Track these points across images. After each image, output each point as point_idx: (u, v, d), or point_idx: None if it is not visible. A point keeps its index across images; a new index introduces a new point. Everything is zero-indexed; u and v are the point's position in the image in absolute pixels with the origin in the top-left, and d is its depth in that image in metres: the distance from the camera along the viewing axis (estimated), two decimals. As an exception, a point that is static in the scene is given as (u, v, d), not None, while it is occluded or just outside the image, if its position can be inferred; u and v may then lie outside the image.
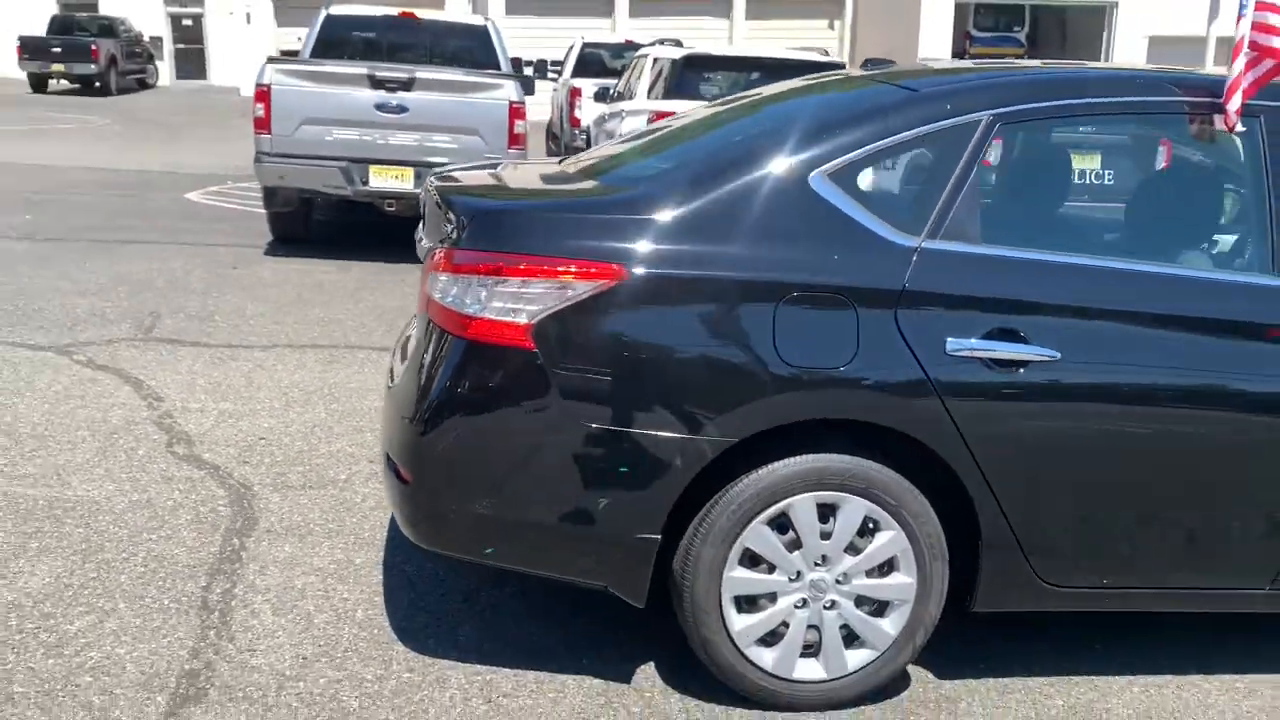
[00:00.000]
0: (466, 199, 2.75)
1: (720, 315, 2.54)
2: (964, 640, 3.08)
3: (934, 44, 29.93)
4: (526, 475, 2.57)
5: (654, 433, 2.52)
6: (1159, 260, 2.81)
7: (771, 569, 2.65)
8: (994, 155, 2.89)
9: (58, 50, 25.66)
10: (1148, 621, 3.22)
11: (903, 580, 2.69)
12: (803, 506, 2.60)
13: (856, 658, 2.73)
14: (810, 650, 2.72)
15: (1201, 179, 3.19)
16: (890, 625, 2.72)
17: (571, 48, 16.72)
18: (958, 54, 29.77)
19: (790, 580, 2.66)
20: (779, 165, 2.63)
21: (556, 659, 2.90)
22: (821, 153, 2.65)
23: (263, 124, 8.10)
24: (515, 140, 8.37)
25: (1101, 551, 2.75)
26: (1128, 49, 30.44)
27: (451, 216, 2.68)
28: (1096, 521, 2.72)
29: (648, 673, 2.87)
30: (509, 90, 8.36)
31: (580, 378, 2.51)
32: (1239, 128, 2.76)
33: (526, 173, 3.36)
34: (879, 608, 2.72)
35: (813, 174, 2.62)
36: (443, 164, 7.32)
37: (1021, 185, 3.10)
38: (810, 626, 2.70)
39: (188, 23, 33.28)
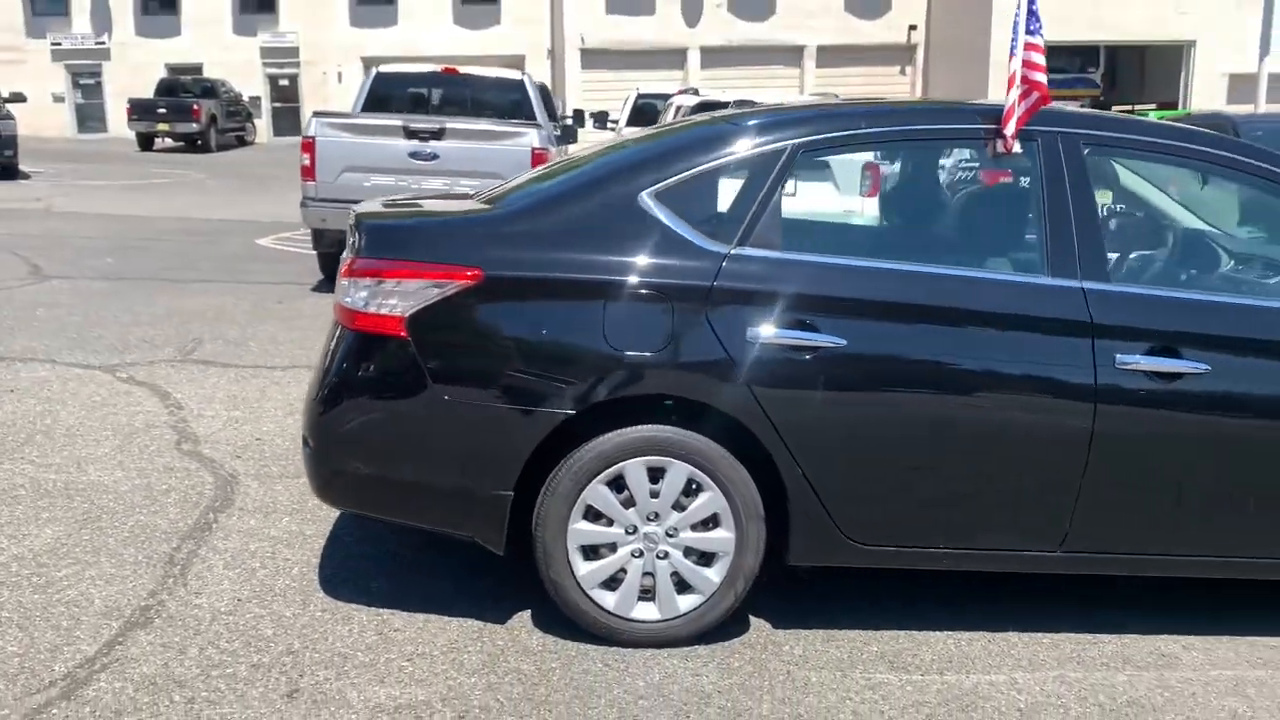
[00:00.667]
0: (368, 220, 3.36)
1: (561, 309, 3.09)
2: (813, 595, 3.54)
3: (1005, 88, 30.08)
4: (402, 441, 3.14)
5: (506, 406, 3.07)
6: (941, 263, 3.28)
7: (610, 523, 3.16)
8: (810, 174, 3.40)
9: (163, 111, 27.58)
10: (979, 581, 3.63)
11: (724, 535, 3.17)
12: (634, 469, 3.12)
13: (687, 601, 3.22)
14: (647, 594, 3.21)
15: (986, 193, 3.64)
16: (715, 574, 3.20)
17: (627, 100, 17.58)
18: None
19: (627, 533, 3.17)
20: (616, 186, 3.19)
21: (448, 605, 3.44)
22: (652, 176, 3.20)
23: (308, 172, 8.94)
24: (538, 184, 9.04)
25: (898, 515, 3.20)
26: (1206, 87, 30.14)
27: (356, 234, 3.29)
28: (889, 488, 3.17)
29: (522, 618, 3.39)
30: (532, 138, 9.04)
31: (445, 360, 3.08)
32: (1017, 149, 3.23)
33: (438, 202, 3.96)
34: (705, 558, 3.21)
35: (642, 193, 3.17)
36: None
37: (811, 200, 3.61)
38: (646, 573, 3.20)
39: (284, 83, 35.26)
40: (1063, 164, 3.22)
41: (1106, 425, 3.14)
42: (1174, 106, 27.68)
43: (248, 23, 34.88)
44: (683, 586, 3.22)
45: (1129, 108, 24.98)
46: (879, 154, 3.70)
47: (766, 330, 3.06)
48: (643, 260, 3.10)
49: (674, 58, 33.26)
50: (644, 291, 3.07)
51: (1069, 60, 31.26)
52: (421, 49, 33.97)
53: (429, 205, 3.76)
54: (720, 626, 3.27)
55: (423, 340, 3.07)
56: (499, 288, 3.09)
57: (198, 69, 33.60)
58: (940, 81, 33.40)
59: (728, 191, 3.25)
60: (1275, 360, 3.21)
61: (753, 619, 3.41)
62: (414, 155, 8.95)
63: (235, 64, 34.10)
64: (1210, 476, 3.23)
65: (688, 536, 3.18)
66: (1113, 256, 3.34)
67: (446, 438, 3.10)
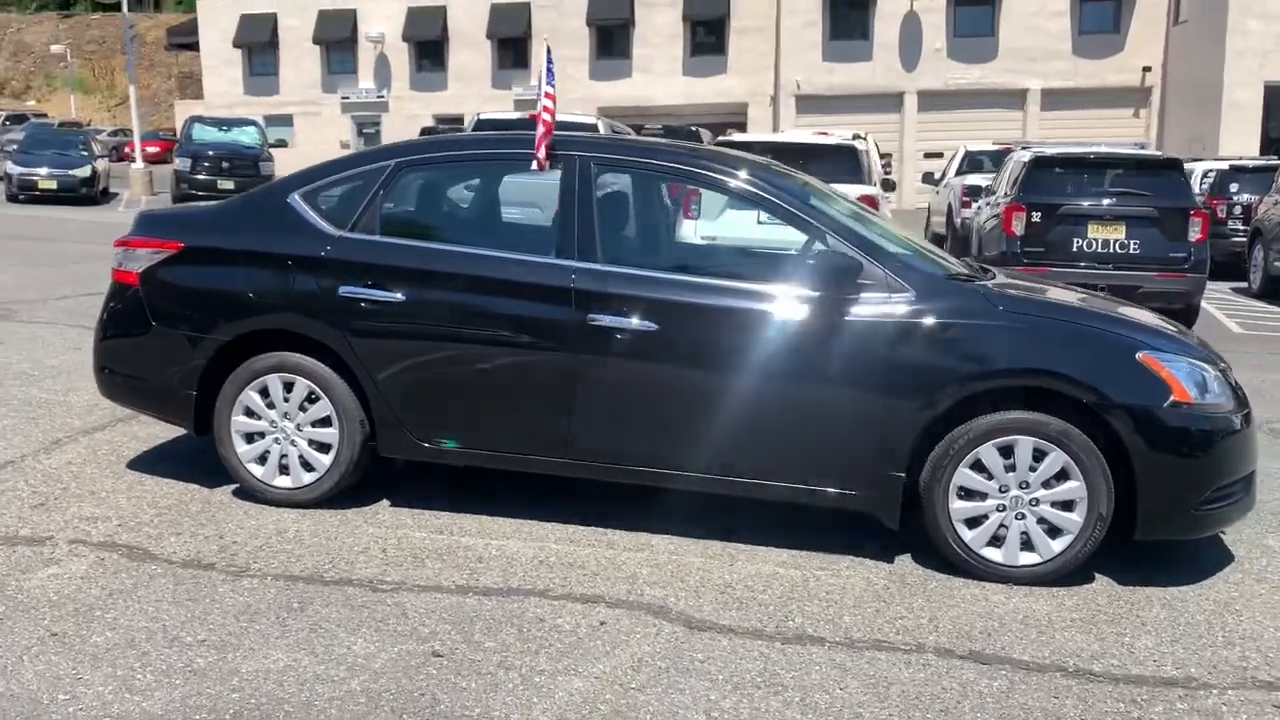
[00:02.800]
0: (141, 213, 5.02)
1: (226, 270, 4.62)
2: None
3: (1240, 131, 28.52)
4: (137, 354, 4.76)
5: (189, 332, 4.63)
6: (480, 246, 4.53)
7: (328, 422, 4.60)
8: (409, 184, 4.75)
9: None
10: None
11: (333, 431, 4.56)
12: (271, 379, 4.57)
13: (312, 476, 4.63)
14: (285, 470, 4.65)
15: (533, 196, 4.82)
16: (328, 458, 4.59)
17: (954, 154, 19.50)
18: (1265, 143, 28.08)
19: (273, 425, 4.63)
20: (277, 189, 4.72)
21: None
22: (302, 182, 4.69)
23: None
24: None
25: (445, 422, 4.48)
26: None
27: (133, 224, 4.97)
28: (436, 401, 4.46)
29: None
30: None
31: (158, 301, 4.68)
32: (549, 167, 4.46)
33: (193, 205, 5.59)
34: (324, 448, 4.60)
35: (291, 194, 4.67)
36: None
37: (408, 202, 4.91)
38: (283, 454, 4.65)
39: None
40: (574, 176, 4.42)
41: (582, 365, 4.29)
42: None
43: (504, 77, 38.61)
44: (305, 464, 4.62)
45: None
46: (453, 172, 5.00)
47: (351, 287, 4.46)
48: (283, 238, 4.58)
49: (889, 102, 33.80)
50: (278, 258, 4.55)
51: None
52: (653, 99, 36.48)
53: (187, 205, 5.44)
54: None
55: (148, 287, 4.69)
56: (192, 255, 4.67)
57: (460, 119, 37.62)
58: (1176, 124, 32.00)
59: (355, 195, 4.67)
60: (707, 322, 4.24)
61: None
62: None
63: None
64: (669, 409, 4.29)
65: (308, 432, 4.60)
66: (600, 243, 4.46)
67: (157, 352, 4.69)
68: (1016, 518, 4.14)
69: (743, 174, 4.50)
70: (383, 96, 39.52)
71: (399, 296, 4.43)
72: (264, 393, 4.62)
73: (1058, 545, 4.12)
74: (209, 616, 3.60)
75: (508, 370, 4.40)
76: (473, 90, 38.49)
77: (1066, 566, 4.12)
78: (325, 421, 4.59)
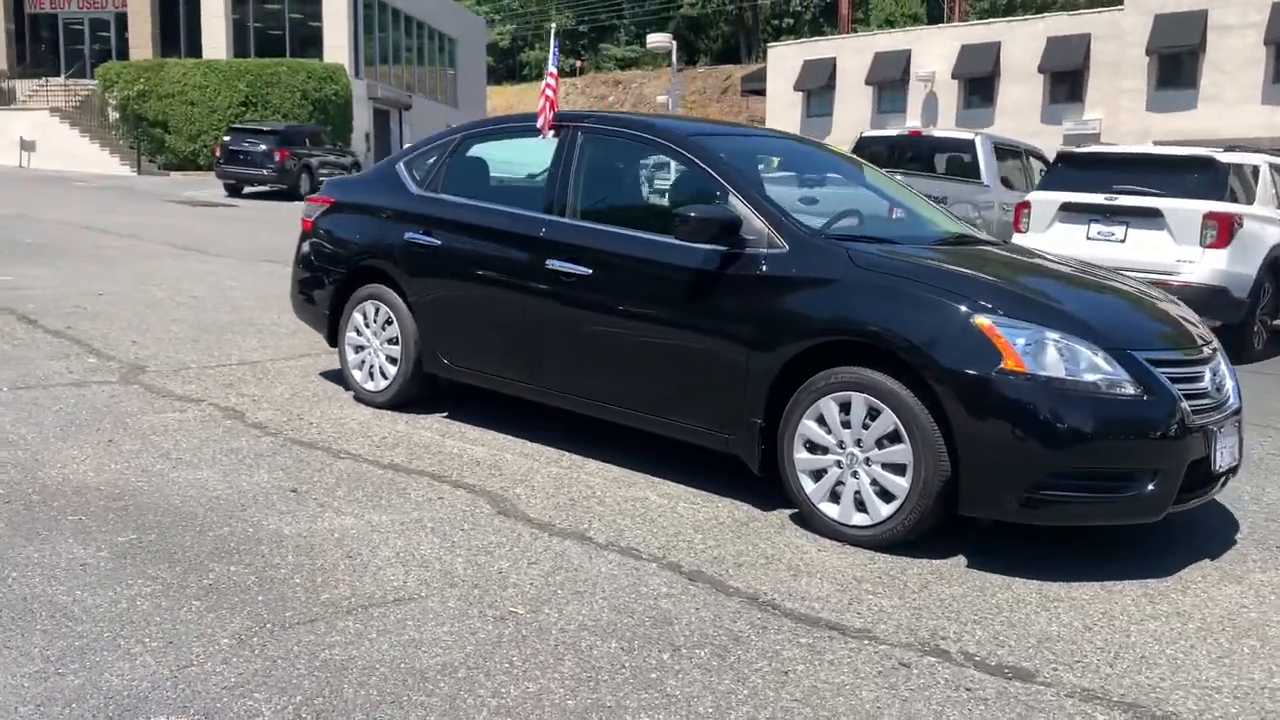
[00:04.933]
0: (326, 182, 6.61)
1: (351, 219, 6.04)
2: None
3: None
4: (305, 281, 6.33)
5: (327, 266, 6.12)
6: (503, 202, 5.42)
7: (396, 341, 5.98)
8: (469, 152, 5.77)
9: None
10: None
11: (397, 349, 5.76)
12: (367, 305, 5.89)
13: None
14: (372, 376, 5.95)
15: (544, 161, 5.44)
16: (393, 369, 5.80)
17: None
18: None
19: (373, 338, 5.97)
20: (394, 158, 6.05)
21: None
22: (409, 153, 5.98)
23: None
24: (896, 223, 10.78)
25: (475, 350, 5.44)
26: None
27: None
28: (461, 329, 5.45)
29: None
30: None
31: (316, 240, 6.23)
32: (551, 136, 5.26)
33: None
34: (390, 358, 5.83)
35: (399, 162, 5.97)
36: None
37: (465, 166, 5.78)
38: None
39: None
40: (565, 145, 5.17)
41: (543, 304, 5.03)
42: None
43: (1055, 112, 37.26)
44: (383, 374, 5.87)
45: None
46: (499, 142, 5.79)
47: (413, 234, 5.64)
48: (389, 196, 5.89)
49: None
50: (383, 210, 5.87)
51: None
52: (1218, 130, 32.84)
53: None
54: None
55: (314, 231, 6.27)
56: (337, 208, 6.16)
57: (1001, 154, 36.98)
58: None
59: (432, 161, 5.84)
60: (619, 268, 4.74)
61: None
62: (801, 201, 11.36)
63: (1043, 149, 36.77)
64: (587, 345, 4.88)
65: (385, 348, 5.84)
66: (570, 200, 5.09)
67: (314, 281, 6.25)
68: (852, 475, 4.13)
69: (686, 141, 4.92)
70: (928, 133, 40.01)
71: (437, 242, 5.52)
72: (364, 315, 5.95)
73: (886, 509, 4.04)
74: (252, 454, 4.98)
75: (498, 306, 5.27)
76: (1020, 124, 37.52)
77: (895, 533, 4.02)
78: (394, 340, 5.80)
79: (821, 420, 4.19)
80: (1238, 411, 4.35)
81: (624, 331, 4.78)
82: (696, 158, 4.82)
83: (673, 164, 5.16)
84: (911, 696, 2.96)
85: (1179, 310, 4.66)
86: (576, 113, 5.38)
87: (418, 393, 5.83)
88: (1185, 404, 3.94)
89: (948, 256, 4.58)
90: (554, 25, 6.44)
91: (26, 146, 31.27)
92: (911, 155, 12.98)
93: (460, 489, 4.58)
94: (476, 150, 5.85)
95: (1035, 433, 3.77)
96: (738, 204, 4.56)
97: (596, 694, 2.88)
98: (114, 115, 31.83)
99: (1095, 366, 3.84)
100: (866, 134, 13.51)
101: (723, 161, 4.76)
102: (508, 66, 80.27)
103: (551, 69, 5.44)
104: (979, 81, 38.88)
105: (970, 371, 3.84)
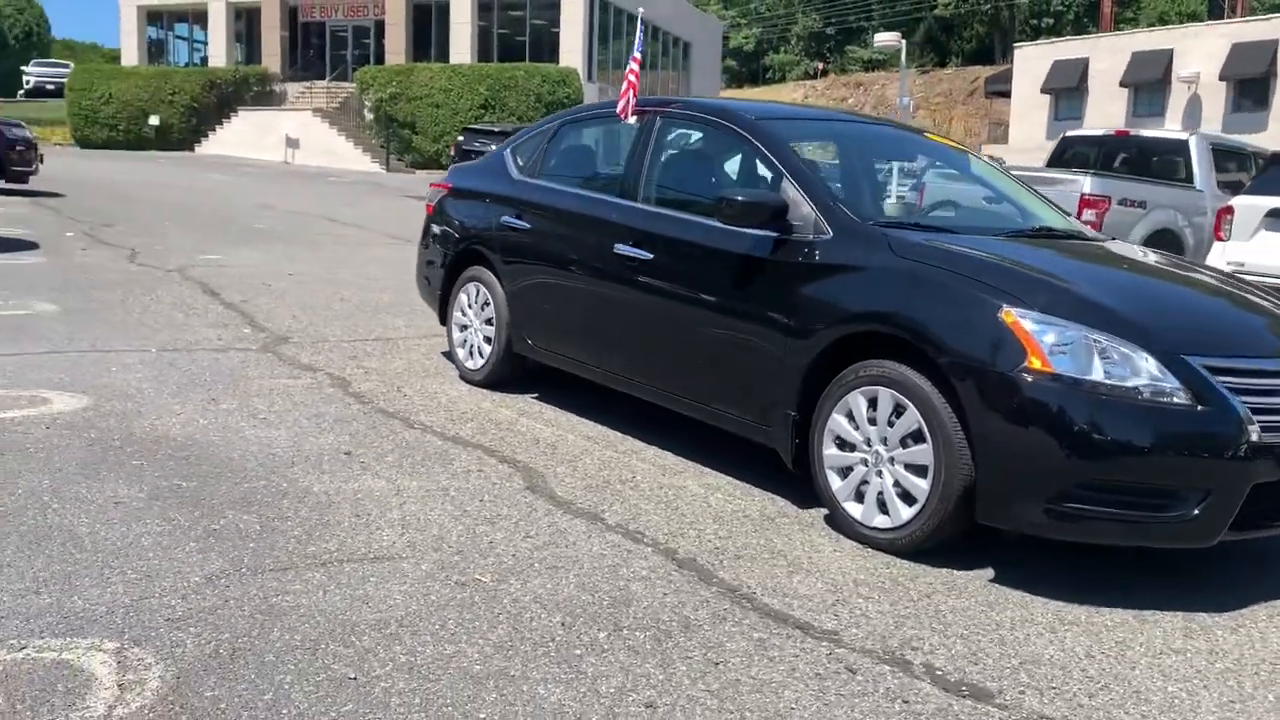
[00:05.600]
0: (450, 168, 6.86)
1: (463, 203, 6.25)
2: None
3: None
4: (427, 264, 6.61)
5: (442, 247, 6.36)
6: (591, 188, 5.44)
7: (492, 323, 6.19)
8: (565, 139, 5.82)
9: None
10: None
11: (493, 329, 5.92)
12: (469, 286, 6.10)
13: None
14: (472, 355, 6.14)
15: (623, 148, 5.36)
16: (490, 348, 5.96)
17: None
18: None
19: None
20: (503, 146, 6.21)
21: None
22: (515, 140, 6.12)
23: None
24: (1083, 227, 10.07)
25: (553, 333, 5.52)
26: None
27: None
28: (550, 314, 5.52)
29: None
30: (1083, 184, 10.11)
31: (437, 225, 6.49)
32: (632, 120, 5.26)
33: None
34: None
35: (506, 149, 6.13)
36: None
37: (561, 152, 5.77)
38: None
39: None
40: (644, 131, 5.15)
41: (610, 289, 5.04)
42: None
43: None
44: (481, 354, 6.05)
45: None
46: (592, 129, 5.73)
47: (506, 218, 5.79)
48: (495, 182, 6.06)
49: None
50: (488, 195, 6.05)
51: None
52: None
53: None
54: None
55: (436, 213, 6.53)
56: (453, 193, 6.39)
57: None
58: None
59: (533, 148, 5.96)
60: (676, 252, 4.68)
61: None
62: (985, 200, 10.79)
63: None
64: (647, 329, 4.84)
65: (482, 329, 6.01)
66: (643, 186, 5.03)
67: (430, 256, 6.51)
68: (876, 475, 3.91)
69: (751, 124, 4.79)
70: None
71: (527, 225, 5.64)
72: (468, 296, 6.15)
73: (907, 513, 3.80)
74: (333, 419, 5.28)
75: (573, 289, 5.32)
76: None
77: (914, 538, 3.78)
78: (490, 321, 5.96)
79: (850, 416, 3.99)
80: None
81: (678, 318, 4.72)
82: (757, 140, 4.69)
83: (740, 149, 5.04)
84: (836, 702, 2.78)
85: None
86: (661, 99, 5.35)
87: (509, 373, 5.96)
88: (1254, 418, 3.49)
89: (1009, 248, 4.26)
90: (640, 11, 6.34)
91: (291, 144, 34.10)
92: (1120, 157, 12.06)
93: (505, 464, 4.66)
94: (572, 136, 5.93)
95: (1060, 439, 3.44)
96: (789, 189, 4.41)
97: (508, 663, 2.87)
98: (369, 116, 34.19)
99: (1139, 370, 3.47)
100: (1070, 134, 12.67)
101: (781, 145, 4.61)
102: (751, 70, 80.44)
103: (636, 54, 5.44)
104: (1251, 83, 35.63)
105: (991, 368, 3.56)
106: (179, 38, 43.39)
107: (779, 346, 4.23)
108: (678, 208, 4.94)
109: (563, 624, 3.12)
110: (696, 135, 5.20)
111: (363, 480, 4.30)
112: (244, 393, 5.57)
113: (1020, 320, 3.56)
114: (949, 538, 3.76)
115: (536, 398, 5.89)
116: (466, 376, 6.14)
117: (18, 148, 16.90)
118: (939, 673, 2.99)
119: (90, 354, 6.21)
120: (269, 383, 5.83)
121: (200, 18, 41.32)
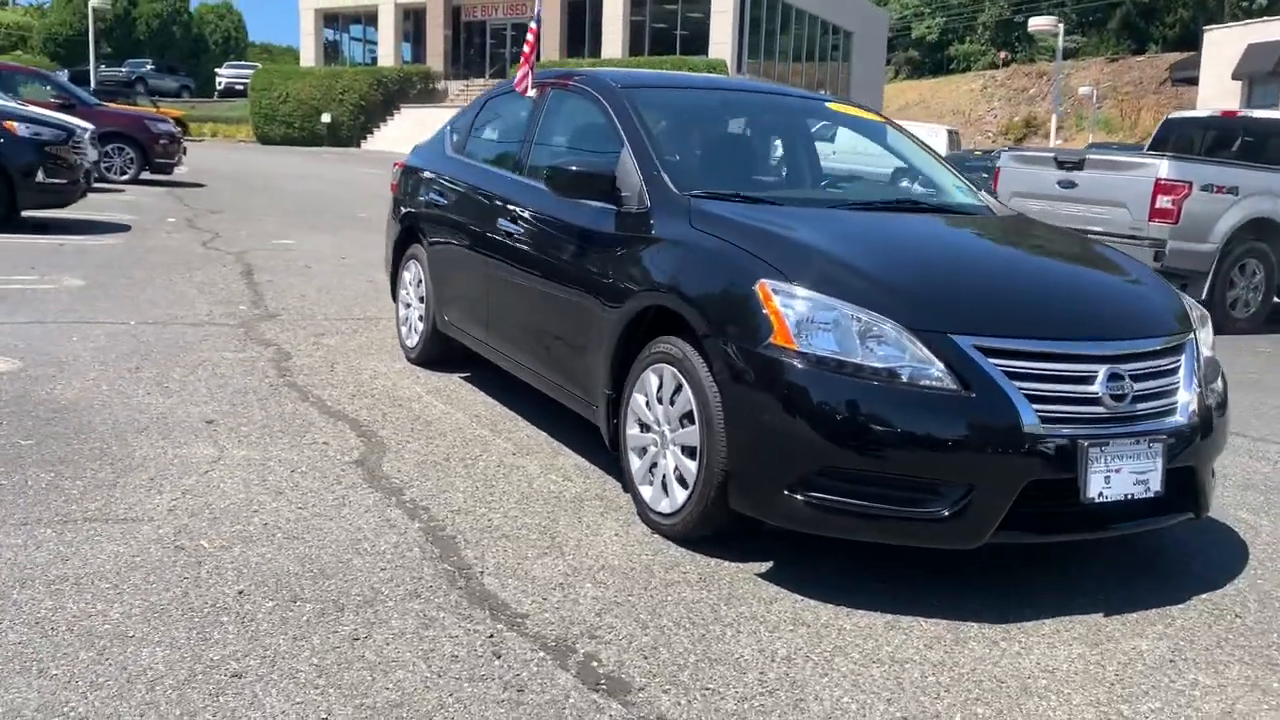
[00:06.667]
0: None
1: (411, 181, 6.26)
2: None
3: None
4: (388, 237, 6.67)
5: (393, 221, 6.40)
6: (491, 164, 5.34)
7: (423, 300, 6.21)
8: (488, 117, 5.72)
9: None
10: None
11: (422, 306, 5.91)
12: (411, 264, 6.11)
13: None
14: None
15: (521, 123, 5.17)
16: (424, 325, 5.95)
17: None
18: None
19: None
20: (446, 124, 6.18)
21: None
22: (452, 119, 6.08)
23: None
24: (1157, 214, 9.26)
25: (458, 309, 5.47)
26: None
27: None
28: (456, 291, 5.48)
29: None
30: (1158, 169, 9.30)
31: (393, 204, 6.53)
32: (532, 94, 5.14)
33: None
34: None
35: (446, 126, 6.10)
36: (1096, 232, 9.24)
37: (484, 131, 5.64)
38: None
39: None
40: (540, 104, 5.02)
41: (492, 264, 4.95)
42: None
43: None
44: (416, 330, 6.05)
45: None
46: (505, 106, 5.53)
47: (429, 195, 5.77)
48: (429, 159, 6.05)
49: None
50: (418, 171, 6.05)
51: None
52: None
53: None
54: (427, 360, 5.98)
55: (394, 194, 6.57)
56: (405, 171, 6.41)
57: None
58: None
59: (463, 125, 5.90)
60: (547, 227, 4.52)
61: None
62: (1060, 184, 10.07)
63: None
64: (530, 311, 4.70)
65: (416, 306, 6.01)
66: (529, 159, 4.88)
67: (389, 233, 6.55)
68: (663, 457, 3.68)
69: (611, 92, 4.57)
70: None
71: (445, 202, 5.60)
72: (409, 273, 6.16)
73: (680, 498, 3.56)
74: (238, 390, 5.41)
75: (469, 265, 5.25)
76: None
77: (686, 526, 3.54)
78: (424, 300, 5.95)
79: (646, 395, 3.77)
80: (1183, 431, 3.33)
81: (537, 294, 4.58)
82: (610, 108, 4.49)
83: (602, 118, 4.82)
84: (443, 685, 2.61)
85: (1147, 291, 3.66)
86: (564, 71, 5.20)
87: (439, 352, 5.92)
88: (1031, 406, 3.09)
89: (827, 219, 3.92)
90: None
91: (448, 139, 35.24)
92: (1224, 140, 11.02)
93: (362, 438, 4.63)
94: (491, 112, 5.84)
95: (799, 420, 3.13)
96: (626, 159, 4.19)
97: (139, 627, 2.82)
98: (521, 111, 34.96)
99: (901, 349, 3.12)
100: (1173, 116, 11.65)
101: (628, 114, 4.39)
102: (935, 60, 77.79)
103: (533, 24, 5.30)
104: None
105: (740, 343, 3.28)
106: (354, 39, 45.58)
107: (599, 323, 4.04)
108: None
109: (240, 592, 3.06)
110: (578, 107, 5.01)
111: (194, 447, 4.36)
112: (173, 364, 5.75)
113: (773, 294, 3.27)
114: (723, 526, 3.49)
115: (466, 377, 5.85)
116: (407, 355, 6.16)
117: (161, 141, 18.08)
118: (595, 665, 2.77)
119: (69, 325, 6.55)
120: (208, 355, 6.00)
121: (372, 18, 43.24)
